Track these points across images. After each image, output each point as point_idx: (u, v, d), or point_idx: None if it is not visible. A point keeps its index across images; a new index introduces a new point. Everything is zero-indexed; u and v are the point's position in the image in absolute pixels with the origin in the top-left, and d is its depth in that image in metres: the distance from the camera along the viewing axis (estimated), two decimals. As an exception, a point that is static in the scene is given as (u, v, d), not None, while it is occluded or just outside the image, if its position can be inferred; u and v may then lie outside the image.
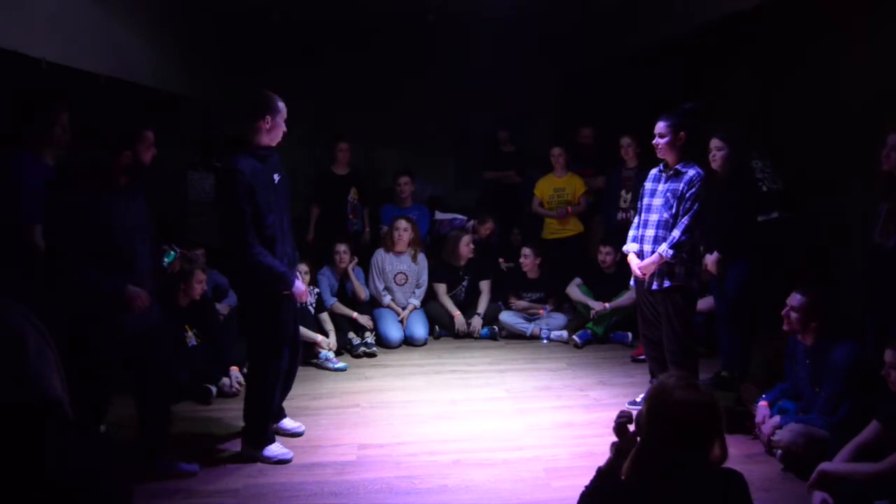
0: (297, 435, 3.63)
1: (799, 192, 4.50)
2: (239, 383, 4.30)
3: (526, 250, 5.78)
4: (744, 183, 4.24)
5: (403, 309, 5.59)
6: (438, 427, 3.78)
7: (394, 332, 5.37)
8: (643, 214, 3.79)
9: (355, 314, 5.32)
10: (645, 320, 3.86)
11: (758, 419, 3.46)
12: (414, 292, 5.70)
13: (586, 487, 1.93)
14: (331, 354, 4.90)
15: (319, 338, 4.91)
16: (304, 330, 4.55)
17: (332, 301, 5.31)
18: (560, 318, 5.70)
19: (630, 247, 3.84)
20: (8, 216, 2.86)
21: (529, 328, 5.58)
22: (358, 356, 5.10)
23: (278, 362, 3.33)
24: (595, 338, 5.45)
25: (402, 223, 5.63)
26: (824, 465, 2.74)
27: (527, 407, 4.08)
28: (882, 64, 3.89)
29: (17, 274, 2.87)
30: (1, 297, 1.26)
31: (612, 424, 1.96)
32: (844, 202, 4.10)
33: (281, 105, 3.23)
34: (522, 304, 5.79)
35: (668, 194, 3.63)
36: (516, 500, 2.98)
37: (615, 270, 5.46)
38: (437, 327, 5.69)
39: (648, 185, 3.79)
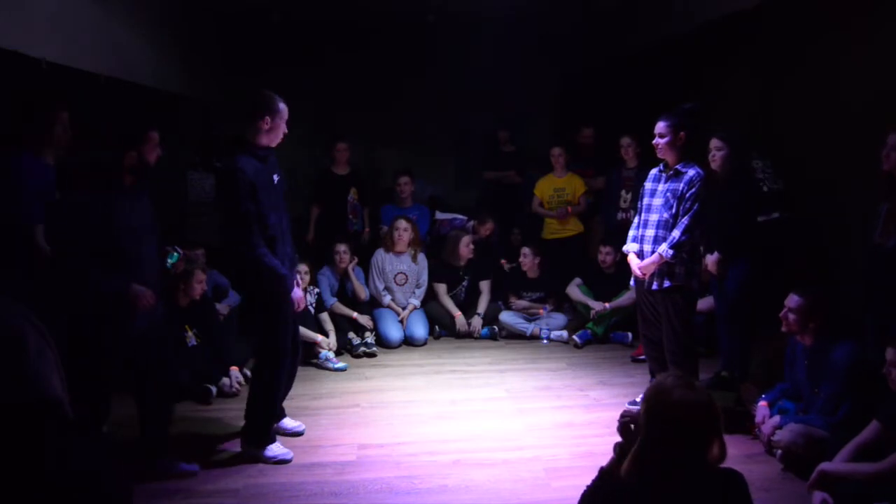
0: (298, 434, 3.63)
1: (799, 192, 4.50)
2: (239, 383, 4.30)
3: (525, 250, 5.78)
4: (744, 183, 4.24)
5: (403, 309, 5.59)
6: (438, 427, 3.78)
7: (394, 332, 5.38)
8: (643, 214, 3.79)
9: (355, 314, 5.32)
10: (645, 320, 3.86)
11: (758, 419, 3.46)
12: (414, 292, 5.70)
13: (588, 487, 1.93)
14: (331, 354, 4.90)
15: (319, 338, 4.91)
16: (304, 330, 4.55)
17: (332, 301, 5.31)
18: (560, 318, 5.70)
19: (630, 247, 3.84)
20: (8, 216, 2.86)
21: (529, 328, 5.58)
22: (358, 356, 5.09)
23: (282, 362, 3.33)
24: (595, 338, 5.45)
25: (402, 223, 5.63)
26: (824, 465, 2.74)
27: (527, 407, 4.08)
28: (882, 64, 3.88)
29: (17, 274, 2.88)
30: (1, 297, 1.26)
31: (613, 424, 1.95)
32: (844, 202, 4.10)
33: (282, 106, 3.22)
34: (523, 303, 5.79)
35: (668, 194, 3.63)
36: (516, 500, 2.98)
37: (615, 270, 5.46)
38: (437, 327, 5.69)
39: (648, 185, 3.79)
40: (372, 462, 3.33)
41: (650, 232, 3.70)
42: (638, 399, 3.93)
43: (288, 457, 3.31)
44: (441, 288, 5.76)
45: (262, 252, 3.11)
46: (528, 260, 5.75)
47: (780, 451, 3.22)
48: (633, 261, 3.77)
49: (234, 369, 4.35)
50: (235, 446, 3.42)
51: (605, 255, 5.54)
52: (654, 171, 3.79)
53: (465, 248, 5.74)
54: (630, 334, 5.35)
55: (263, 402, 3.34)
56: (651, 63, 6.11)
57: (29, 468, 1.14)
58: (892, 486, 2.54)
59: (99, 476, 1.24)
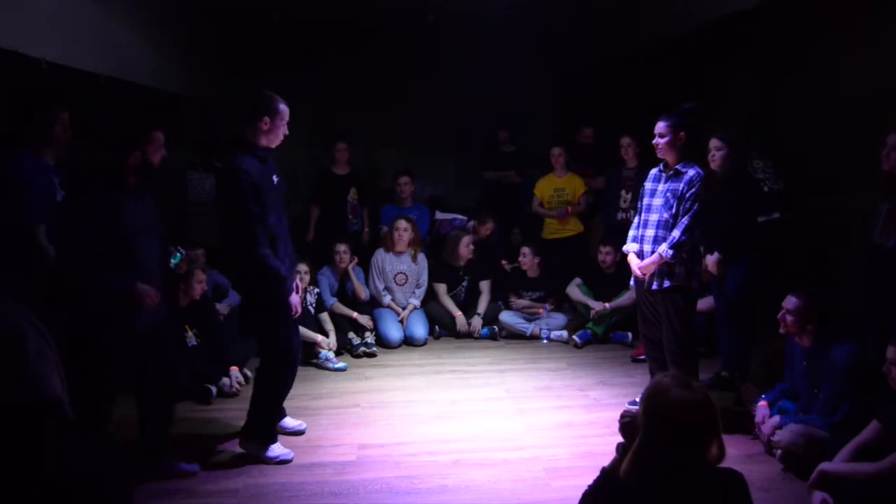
0: (299, 433, 3.64)
1: (799, 192, 4.50)
2: (239, 383, 4.30)
3: (525, 249, 5.78)
4: (743, 183, 4.24)
5: (403, 309, 5.59)
6: (438, 427, 3.78)
7: (394, 332, 5.38)
8: (643, 214, 3.79)
9: (355, 314, 5.32)
10: (645, 320, 3.86)
11: (758, 419, 3.46)
12: (414, 292, 5.70)
13: (589, 487, 1.93)
14: (331, 354, 4.90)
15: (319, 338, 4.91)
16: (304, 330, 4.55)
17: (332, 301, 5.31)
18: (560, 318, 5.70)
19: (630, 247, 3.84)
20: (8, 216, 2.86)
21: (529, 328, 5.58)
22: (358, 356, 5.09)
23: (286, 361, 3.32)
24: (595, 338, 5.45)
25: (402, 223, 5.63)
26: (824, 465, 2.74)
27: (527, 407, 4.08)
28: (882, 64, 3.88)
29: (17, 274, 2.88)
30: (1, 297, 1.26)
31: (613, 424, 1.96)
32: (844, 202, 4.10)
33: (282, 107, 3.20)
34: (523, 302, 5.78)
35: (668, 194, 3.63)
36: (516, 500, 2.98)
37: (615, 270, 5.46)
38: (437, 327, 5.69)
39: (648, 185, 3.79)
40: (372, 462, 3.33)
41: (650, 232, 3.70)
42: (638, 399, 3.93)
43: (289, 457, 3.31)
44: (441, 288, 5.76)
45: (264, 252, 3.10)
46: (527, 259, 5.75)
47: (780, 451, 3.22)
48: (633, 261, 3.77)
49: (234, 369, 4.35)
50: (235, 446, 3.42)
51: (605, 255, 5.54)
52: (654, 171, 3.79)
53: (465, 248, 5.74)
54: (630, 334, 5.35)
55: (266, 401, 3.34)
56: (651, 63, 6.11)
57: (29, 468, 1.14)
58: (892, 486, 2.54)
59: (99, 476, 1.24)
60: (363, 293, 5.49)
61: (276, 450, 3.31)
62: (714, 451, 1.73)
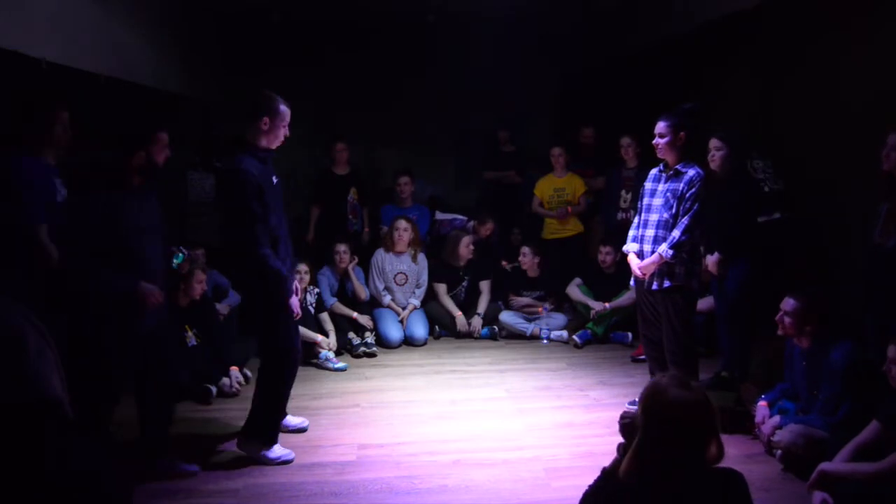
0: (302, 430, 3.66)
1: (799, 192, 4.51)
2: (239, 383, 4.30)
3: (525, 249, 5.78)
4: (744, 183, 4.25)
5: (403, 309, 5.59)
6: (438, 427, 3.78)
7: (394, 332, 5.38)
8: (643, 214, 3.79)
9: (355, 314, 5.32)
10: (645, 320, 3.86)
11: (758, 419, 3.46)
12: (414, 292, 5.70)
13: (590, 487, 1.93)
14: (331, 354, 4.90)
15: (319, 338, 4.91)
16: (304, 330, 4.55)
17: (332, 301, 5.31)
18: (560, 318, 5.70)
19: (630, 247, 3.84)
20: (8, 216, 2.86)
21: (529, 328, 5.58)
22: (358, 356, 5.09)
23: (287, 361, 3.32)
24: (595, 338, 5.45)
25: (402, 223, 5.63)
26: (824, 465, 2.74)
27: (527, 407, 4.08)
28: (882, 64, 3.89)
29: (17, 274, 2.88)
30: (1, 297, 1.26)
31: (613, 424, 1.96)
32: (844, 202, 4.10)
33: (282, 108, 3.18)
34: (523, 300, 5.78)
35: (668, 194, 3.63)
36: (516, 500, 2.98)
37: (615, 270, 5.46)
38: (437, 327, 5.69)
39: (648, 185, 3.79)
40: (372, 462, 3.33)
41: (650, 232, 3.70)
42: (637, 399, 3.93)
43: (290, 457, 3.31)
44: (441, 288, 5.76)
45: (266, 253, 3.10)
46: (527, 259, 5.75)
47: (780, 451, 3.22)
48: (633, 261, 3.77)
49: (234, 369, 4.35)
50: (235, 446, 3.42)
51: (605, 255, 5.54)
52: (654, 171, 3.79)
53: (465, 248, 5.74)
54: (630, 334, 5.35)
55: (268, 402, 3.33)
56: (651, 63, 6.11)
57: (29, 468, 1.14)
58: (892, 486, 2.54)
59: (99, 476, 1.24)
60: (363, 293, 5.49)
61: (277, 450, 3.31)
62: (713, 450, 1.73)
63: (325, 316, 5.20)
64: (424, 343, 5.47)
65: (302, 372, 4.06)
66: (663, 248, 3.57)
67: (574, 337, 5.42)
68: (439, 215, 6.39)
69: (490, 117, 6.88)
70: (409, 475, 3.18)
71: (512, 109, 6.97)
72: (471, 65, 6.91)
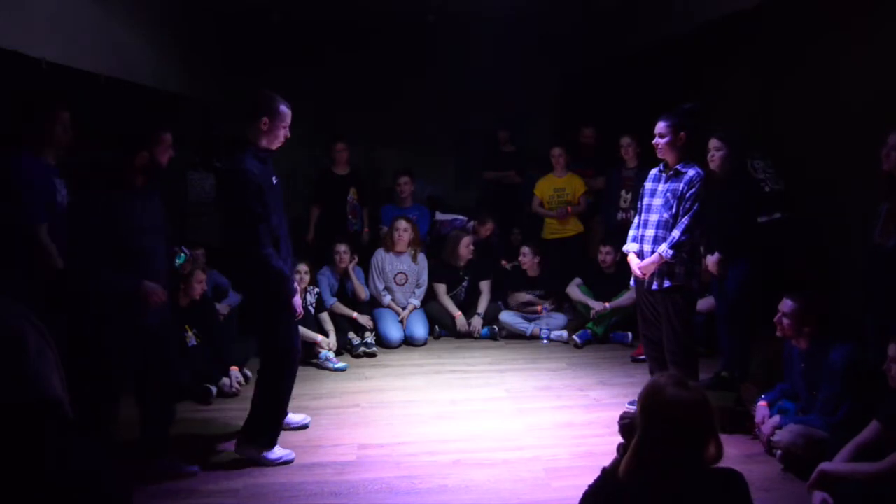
0: (304, 427, 3.67)
1: (799, 192, 4.51)
2: (239, 383, 4.30)
3: (525, 249, 5.78)
4: (744, 183, 4.25)
5: (403, 309, 5.59)
6: (438, 427, 3.78)
7: (394, 332, 5.37)
8: (643, 214, 3.79)
9: (355, 314, 5.32)
10: (645, 320, 3.86)
11: (757, 419, 3.46)
12: (414, 292, 5.70)
13: (589, 486, 1.93)
14: (331, 354, 4.90)
15: (319, 338, 4.91)
16: (304, 330, 4.55)
17: (332, 301, 5.31)
18: (560, 318, 5.70)
19: (630, 247, 3.83)
20: (8, 216, 2.86)
21: (529, 328, 5.58)
22: (358, 356, 5.09)
23: (287, 362, 3.31)
24: (595, 338, 5.45)
25: (402, 223, 5.63)
26: (824, 465, 2.74)
27: (527, 407, 4.08)
28: (882, 64, 3.89)
29: (17, 274, 2.88)
30: (1, 297, 1.26)
31: (613, 424, 1.96)
32: (844, 202, 4.10)
33: (283, 108, 3.17)
34: (525, 296, 5.78)
35: (668, 194, 3.63)
36: (516, 500, 2.98)
37: (615, 270, 5.46)
38: (437, 327, 5.69)
39: (648, 185, 3.79)
40: (372, 462, 3.33)
41: (650, 232, 3.70)
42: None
43: (291, 457, 3.31)
44: (441, 288, 5.76)
45: (268, 252, 3.09)
46: (527, 259, 5.75)
47: (780, 452, 3.22)
48: (633, 261, 3.77)
49: (234, 369, 4.36)
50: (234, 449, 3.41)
51: (605, 254, 5.54)
52: (654, 171, 3.79)
53: (465, 248, 5.74)
54: (630, 334, 5.35)
55: (268, 404, 3.32)
56: (651, 63, 6.11)
57: (29, 468, 1.14)
58: (892, 486, 2.54)
59: (99, 476, 1.24)
60: (363, 293, 5.49)
61: (278, 451, 3.30)
62: (712, 450, 1.73)
63: (325, 316, 5.20)
64: (424, 343, 5.47)
65: (302, 372, 4.06)
66: (663, 248, 3.57)
67: (574, 337, 5.42)
68: (439, 215, 6.39)
69: (490, 117, 6.88)
70: (409, 475, 3.18)
71: (512, 109, 6.97)
72: (471, 65, 6.91)
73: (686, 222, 3.55)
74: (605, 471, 1.91)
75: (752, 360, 4.18)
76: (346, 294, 5.46)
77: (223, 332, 4.53)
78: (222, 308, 4.77)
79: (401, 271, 5.67)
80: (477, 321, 5.66)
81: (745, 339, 4.18)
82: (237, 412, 3.68)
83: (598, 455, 3.21)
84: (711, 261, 4.16)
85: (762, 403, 3.50)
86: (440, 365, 4.96)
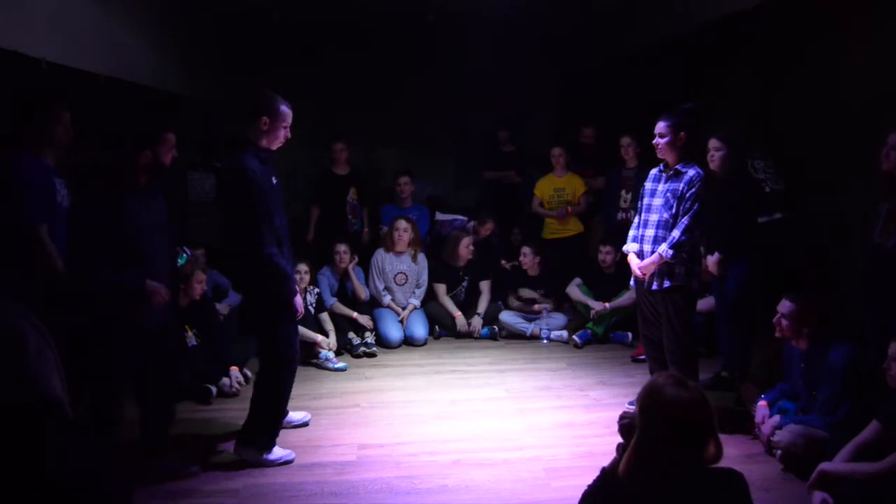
0: (305, 425, 3.69)
1: (799, 192, 4.51)
2: (239, 383, 4.30)
3: (525, 249, 5.79)
4: (744, 183, 4.25)
5: (403, 309, 5.59)
6: (438, 427, 3.78)
7: (394, 332, 5.37)
8: (643, 214, 3.79)
9: (355, 314, 5.32)
10: (645, 320, 3.86)
11: (757, 419, 3.46)
12: (414, 292, 5.70)
13: (589, 486, 1.93)
14: (331, 354, 4.90)
15: (319, 338, 4.91)
16: (304, 330, 4.55)
17: (332, 301, 5.31)
18: (560, 318, 5.70)
19: (630, 247, 3.84)
20: (8, 216, 2.87)
21: (529, 328, 5.58)
22: (358, 356, 5.09)
23: (287, 363, 3.31)
24: (595, 338, 5.45)
25: (402, 223, 5.63)
26: (824, 465, 2.74)
27: (527, 407, 4.08)
28: (882, 64, 3.89)
29: (17, 274, 2.88)
30: (1, 297, 1.26)
31: (613, 424, 1.95)
32: (844, 202, 4.10)
33: (283, 109, 3.16)
34: (527, 292, 5.77)
35: (668, 194, 3.63)
36: (516, 500, 2.98)
37: (615, 270, 5.46)
38: (437, 327, 5.69)
39: (648, 185, 3.79)
40: (372, 462, 3.33)
41: (650, 232, 3.70)
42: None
43: (291, 457, 3.31)
44: (441, 288, 5.76)
45: (271, 252, 3.08)
46: (528, 259, 5.76)
47: (779, 452, 3.22)
48: (633, 261, 3.77)
49: (234, 369, 4.36)
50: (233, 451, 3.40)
51: (605, 254, 5.54)
52: (654, 171, 3.79)
53: (465, 248, 5.74)
54: (630, 334, 5.35)
55: (268, 404, 3.31)
56: (651, 63, 6.11)
57: (29, 468, 1.14)
58: (892, 486, 2.54)
59: (99, 476, 1.23)
60: (363, 293, 5.49)
61: (277, 452, 3.30)
62: (711, 450, 1.73)
63: (325, 316, 5.20)
64: (424, 343, 5.47)
65: (302, 372, 4.06)
66: (663, 248, 3.57)
67: (574, 337, 5.42)
68: (439, 216, 6.39)
69: (490, 117, 6.89)
70: (409, 475, 3.18)
71: (512, 109, 6.97)
72: (471, 65, 6.92)
73: (686, 222, 3.55)
74: (604, 471, 1.91)
75: (752, 360, 4.18)
76: (346, 294, 5.46)
77: (223, 332, 4.53)
78: (222, 308, 4.77)
79: (401, 271, 5.67)
80: (477, 321, 5.66)
81: (745, 339, 4.18)
82: (237, 412, 3.68)
83: (598, 455, 3.21)
84: (711, 261, 4.16)
85: (762, 403, 3.50)
86: (440, 365, 4.96)
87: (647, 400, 1.75)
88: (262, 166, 3.14)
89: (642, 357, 4.44)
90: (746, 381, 4.06)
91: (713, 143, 4.15)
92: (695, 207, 3.55)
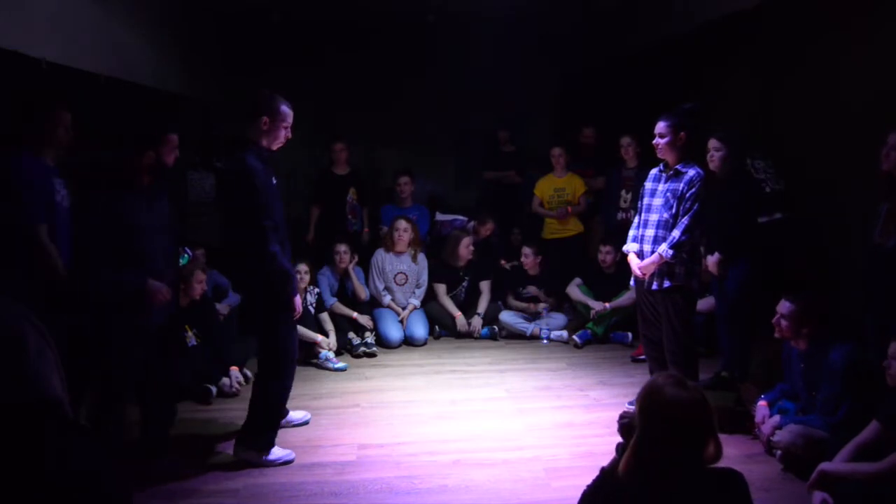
0: (305, 423, 3.69)
1: (799, 192, 4.50)
2: (239, 383, 4.30)
3: (526, 249, 5.79)
4: (744, 183, 4.25)
5: (403, 309, 5.59)
6: (438, 427, 3.78)
7: (394, 332, 5.37)
8: (643, 214, 3.79)
9: (355, 314, 5.32)
10: (645, 320, 3.86)
11: (757, 419, 3.46)
12: (414, 292, 5.70)
13: (588, 486, 1.93)
14: (331, 354, 4.90)
15: (319, 338, 4.91)
16: (304, 330, 4.55)
17: (332, 301, 5.31)
18: (560, 318, 5.70)
19: (630, 247, 3.84)
20: (8, 216, 2.86)
21: (529, 328, 5.58)
22: (358, 356, 5.09)
23: (285, 361, 3.30)
24: (595, 338, 5.45)
25: (402, 223, 5.63)
26: (824, 465, 2.74)
27: (527, 407, 4.08)
28: (882, 64, 3.88)
29: (17, 274, 2.88)
30: (1, 297, 1.26)
31: (613, 424, 1.95)
32: (844, 202, 4.10)
33: (283, 109, 3.15)
34: (532, 289, 5.77)
35: (668, 194, 3.63)
36: (516, 500, 2.98)
37: (615, 270, 5.46)
38: (437, 327, 5.69)
39: (648, 185, 3.79)
40: (372, 462, 3.33)
41: (650, 232, 3.70)
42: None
43: (291, 457, 3.30)
44: (441, 288, 5.76)
45: (274, 251, 3.07)
46: (528, 260, 5.76)
47: (779, 452, 3.22)
48: (633, 261, 3.77)
49: (234, 369, 4.36)
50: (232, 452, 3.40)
51: (605, 254, 5.54)
52: (654, 171, 3.79)
53: (465, 248, 5.74)
54: (630, 334, 5.35)
55: (267, 405, 3.30)
56: (651, 63, 6.11)
57: (29, 468, 1.14)
58: (893, 486, 2.54)
59: (99, 476, 1.23)
60: (363, 293, 5.49)
61: (277, 452, 3.29)
62: (711, 450, 1.73)
63: (325, 316, 5.19)
64: (424, 343, 5.47)
65: (302, 372, 4.07)
66: (663, 248, 3.57)
67: (574, 337, 5.42)
68: (439, 216, 6.39)
69: (490, 117, 6.89)
70: (409, 475, 3.18)
71: (512, 109, 6.98)
72: (471, 65, 6.92)
73: (686, 222, 3.55)
74: (604, 470, 1.91)
75: (752, 360, 4.18)
76: (346, 294, 5.46)
77: (223, 332, 4.53)
78: (222, 308, 4.77)
79: (401, 271, 5.67)
80: (477, 321, 5.66)
81: (745, 339, 4.18)
82: (237, 412, 3.68)
83: (598, 455, 3.21)
84: (711, 261, 4.16)
85: (762, 403, 3.50)
86: (440, 365, 4.96)
87: (647, 400, 1.75)
88: (263, 166, 3.14)
89: (642, 357, 4.44)
90: (746, 381, 4.06)
91: (713, 143, 4.15)
92: (695, 207, 3.55)
